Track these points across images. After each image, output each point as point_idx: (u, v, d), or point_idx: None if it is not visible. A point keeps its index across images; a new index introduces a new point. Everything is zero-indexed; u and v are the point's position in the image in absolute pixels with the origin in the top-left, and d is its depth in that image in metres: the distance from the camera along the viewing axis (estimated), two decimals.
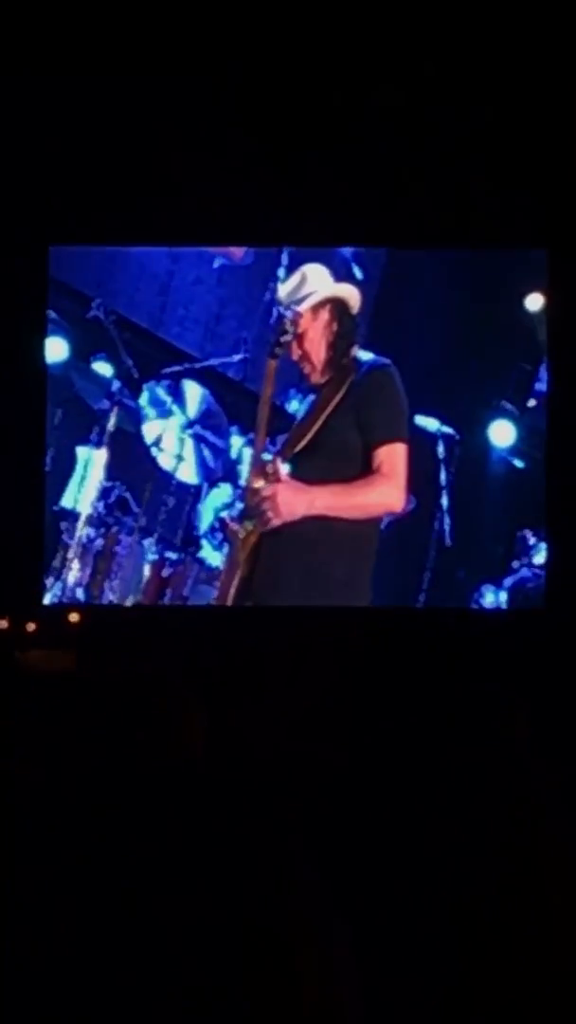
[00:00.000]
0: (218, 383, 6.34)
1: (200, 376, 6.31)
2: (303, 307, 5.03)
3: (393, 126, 5.78)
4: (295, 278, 5.16)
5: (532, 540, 6.10)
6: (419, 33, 5.56)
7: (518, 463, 6.39)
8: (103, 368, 6.29)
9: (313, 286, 5.10)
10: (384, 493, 4.88)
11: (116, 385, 6.14)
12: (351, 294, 5.12)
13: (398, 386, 4.98)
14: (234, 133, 5.85)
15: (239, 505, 5.62)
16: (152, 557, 6.09)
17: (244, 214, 5.96)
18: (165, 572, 6.10)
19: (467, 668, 4.72)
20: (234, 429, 6.24)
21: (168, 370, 6.34)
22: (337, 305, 5.08)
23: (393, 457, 4.87)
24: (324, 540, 4.86)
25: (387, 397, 4.95)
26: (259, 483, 4.88)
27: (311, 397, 5.12)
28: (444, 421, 6.08)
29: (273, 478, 4.83)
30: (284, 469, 4.86)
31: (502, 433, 6.39)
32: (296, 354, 5.11)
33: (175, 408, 6.21)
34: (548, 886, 2.07)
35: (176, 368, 6.34)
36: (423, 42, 5.56)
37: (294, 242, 6.03)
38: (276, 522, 4.86)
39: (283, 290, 5.19)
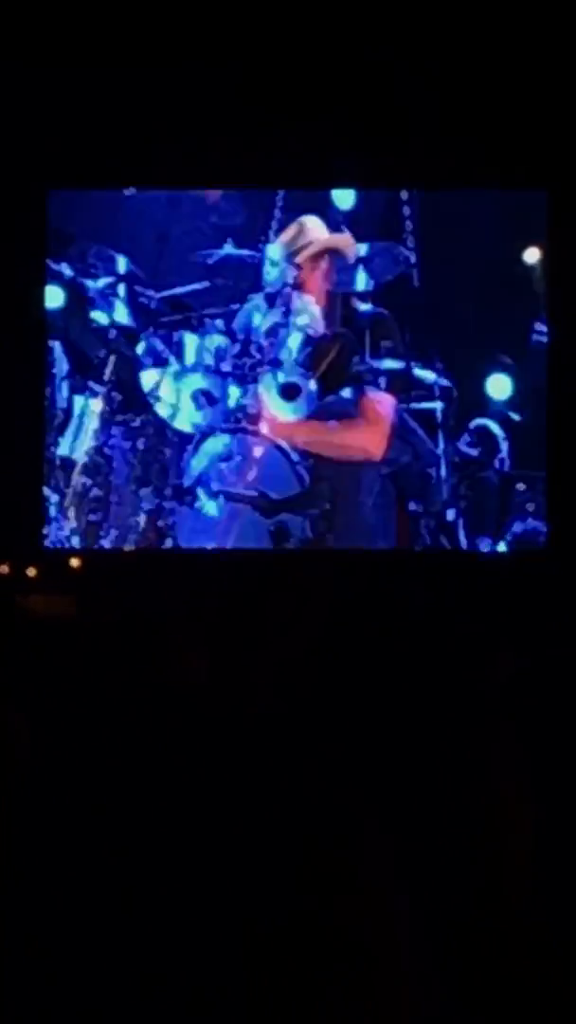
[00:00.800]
0: (213, 332, 6.31)
1: (197, 327, 6.30)
2: (301, 257, 5.03)
3: (389, 67, 5.74)
4: (292, 228, 5.18)
5: (524, 490, 6.13)
6: None
7: (515, 416, 6.39)
8: (100, 317, 6.29)
9: (310, 236, 5.10)
10: (363, 438, 5.04)
11: (113, 333, 6.13)
12: (347, 243, 5.12)
13: (393, 338, 4.99)
14: (230, 76, 5.82)
15: (237, 457, 5.71)
16: (148, 506, 6.10)
17: (239, 156, 5.93)
18: (160, 522, 6.12)
19: (464, 612, 4.75)
20: (230, 380, 6.24)
21: (166, 319, 6.33)
22: (335, 255, 5.07)
23: (377, 406, 4.95)
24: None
25: (381, 348, 4.95)
26: None
27: (308, 349, 5.14)
28: (441, 374, 6.07)
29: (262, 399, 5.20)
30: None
31: (499, 386, 6.39)
32: (295, 303, 5.12)
33: (172, 357, 6.20)
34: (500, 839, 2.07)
35: (174, 317, 6.32)
36: None
37: (290, 184, 6.00)
38: (259, 438, 5.30)
39: (281, 240, 5.19)
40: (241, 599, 4.75)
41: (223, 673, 2.62)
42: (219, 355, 6.16)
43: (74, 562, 5.70)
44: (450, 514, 6.06)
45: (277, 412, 5.04)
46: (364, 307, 5.09)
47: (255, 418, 5.47)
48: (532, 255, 6.15)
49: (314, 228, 5.14)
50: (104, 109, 5.88)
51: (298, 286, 5.08)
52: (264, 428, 5.04)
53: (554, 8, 5.50)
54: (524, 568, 5.78)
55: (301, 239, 5.12)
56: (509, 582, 5.45)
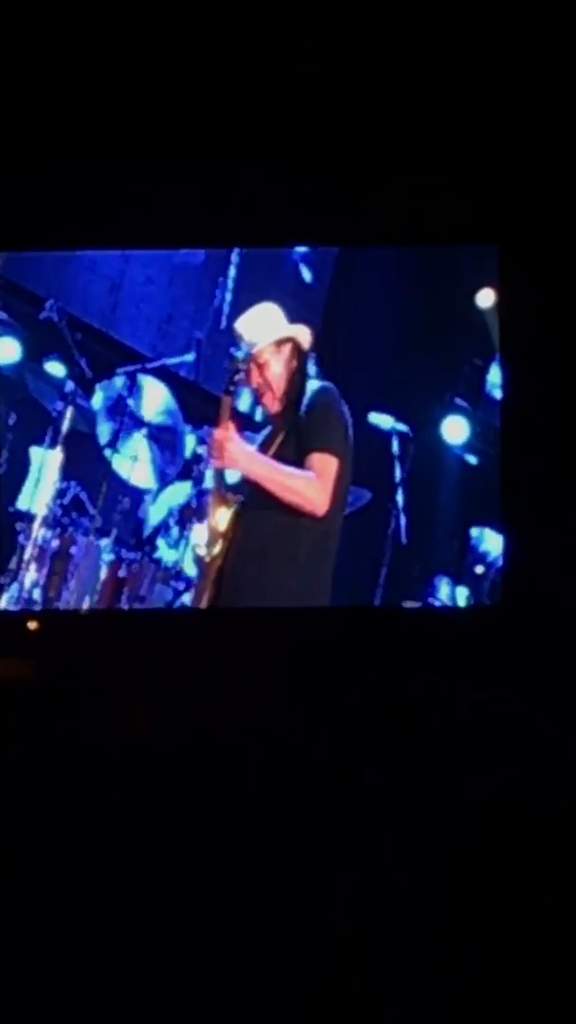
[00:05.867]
0: (172, 382, 6.35)
1: (153, 376, 6.32)
2: (267, 341, 5.27)
3: (342, 124, 5.79)
4: (254, 314, 5.29)
5: (479, 537, 6.18)
6: (371, 28, 5.56)
7: (471, 459, 6.45)
8: (56, 369, 6.28)
9: (273, 323, 5.32)
10: (310, 488, 5.09)
11: (70, 386, 6.13)
12: (305, 335, 5.34)
13: (336, 403, 5.21)
14: (183, 134, 5.84)
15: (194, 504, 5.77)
16: (108, 557, 6.10)
17: (194, 215, 5.95)
18: (122, 572, 6.10)
19: (422, 665, 4.76)
20: (188, 428, 6.25)
21: (122, 370, 6.35)
22: (295, 343, 5.30)
23: (324, 464, 5.10)
24: (284, 560, 5.16)
25: (323, 412, 5.18)
26: (220, 510, 5.24)
27: (266, 430, 5.26)
28: (398, 418, 6.12)
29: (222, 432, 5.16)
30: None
31: (455, 429, 6.45)
32: (256, 382, 5.28)
33: (129, 408, 6.22)
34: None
35: (129, 368, 6.34)
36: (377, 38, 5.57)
37: (245, 243, 6.03)
38: (217, 464, 5.25)
39: (242, 325, 5.30)
40: (198, 656, 4.79)
41: (167, 729, 2.62)
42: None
43: (32, 624, 5.65)
44: None
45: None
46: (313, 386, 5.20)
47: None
48: (486, 298, 6.21)
49: (276, 316, 5.30)
50: (51, 173, 5.87)
51: (260, 365, 5.22)
52: (227, 448, 5.17)
53: (503, 60, 5.56)
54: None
55: (264, 325, 5.28)
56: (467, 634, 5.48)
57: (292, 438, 5.19)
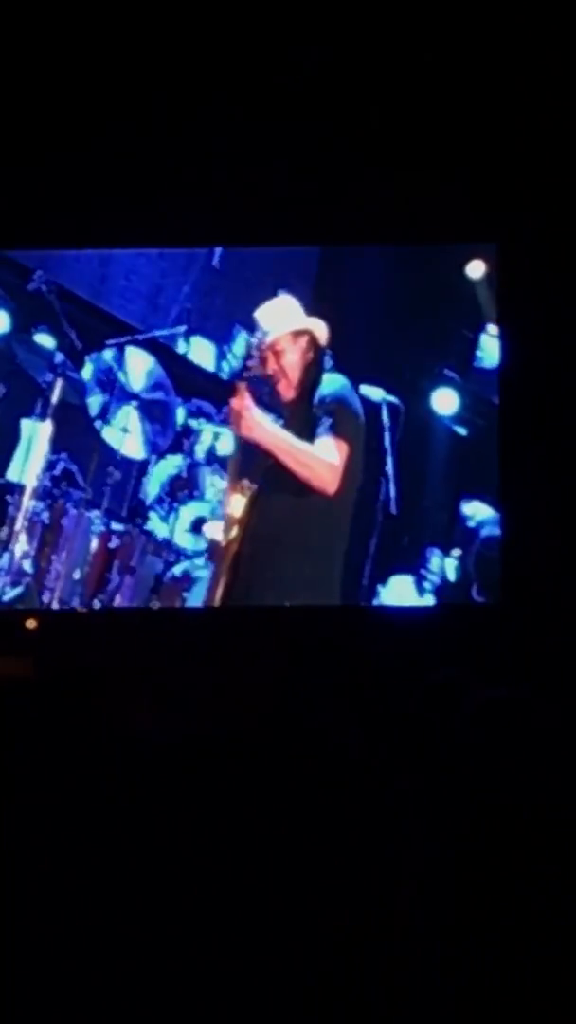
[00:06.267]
0: (162, 355, 6.34)
1: (144, 347, 6.31)
2: (285, 330, 5.41)
3: (339, 121, 5.76)
4: (273, 304, 5.39)
5: (468, 509, 6.19)
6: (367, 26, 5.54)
7: (461, 430, 6.45)
8: (45, 340, 6.27)
9: (291, 315, 5.47)
10: (321, 464, 5.21)
11: (59, 357, 6.13)
12: (322, 329, 5.46)
13: (351, 396, 5.36)
14: (171, 127, 5.81)
15: (205, 507, 6.06)
16: (99, 529, 6.11)
17: (188, 213, 5.93)
18: (112, 544, 6.12)
19: (421, 659, 4.80)
20: (179, 400, 6.25)
21: (111, 341, 6.34)
22: (312, 336, 5.44)
23: (336, 447, 5.23)
24: (298, 545, 5.30)
25: (337, 403, 5.30)
26: (235, 497, 5.38)
27: (280, 420, 5.37)
28: (388, 390, 6.12)
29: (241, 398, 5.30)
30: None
31: (445, 401, 6.45)
32: (271, 368, 5.42)
33: (120, 380, 6.21)
34: None
35: (120, 339, 6.33)
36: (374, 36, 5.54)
37: (241, 242, 6.05)
38: (235, 431, 5.38)
39: (261, 314, 5.45)
40: (200, 653, 4.83)
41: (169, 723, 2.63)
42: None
43: (31, 623, 5.65)
44: None
45: None
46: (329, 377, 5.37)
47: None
48: (475, 269, 6.21)
49: (294, 308, 5.38)
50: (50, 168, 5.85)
51: (276, 353, 5.38)
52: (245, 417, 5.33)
53: (499, 67, 5.54)
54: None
55: (283, 315, 5.40)
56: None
57: (306, 426, 5.29)
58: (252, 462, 5.41)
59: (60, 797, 2.27)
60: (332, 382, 5.36)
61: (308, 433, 5.27)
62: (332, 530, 5.34)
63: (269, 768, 2.36)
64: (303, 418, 5.32)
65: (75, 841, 2.14)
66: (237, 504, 5.38)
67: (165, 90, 5.71)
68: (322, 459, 5.20)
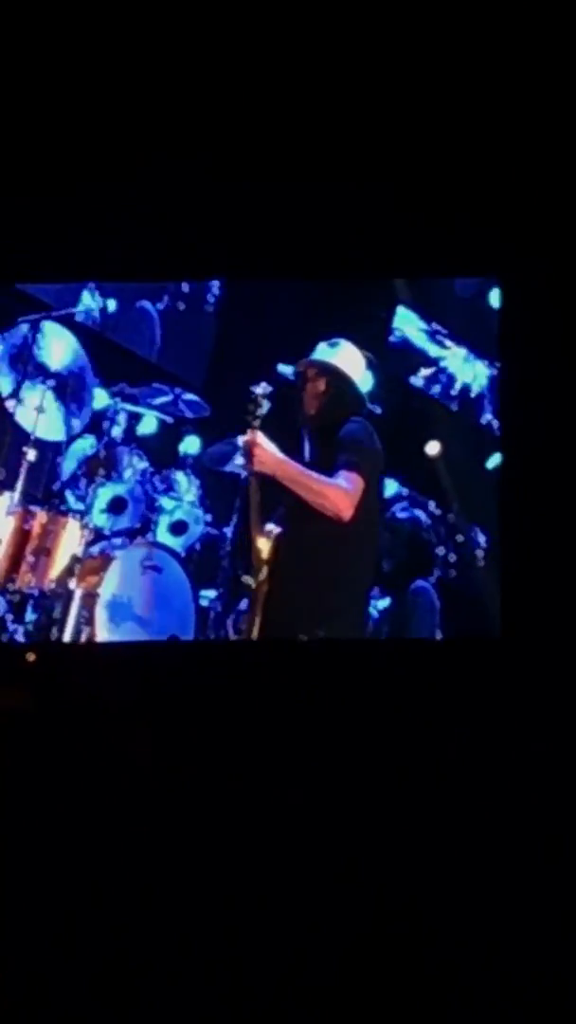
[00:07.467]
0: (80, 333, 6.27)
1: (60, 324, 6.23)
2: (335, 363, 5.69)
3: (338, 154, 5.71)
4: (345, 347, 5.73)
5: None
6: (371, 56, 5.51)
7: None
8: None
9: (350, 361, 5.74)
10: (335, 491, 5.43)
11: None
12: (366, 384, 5.75)
13: (371, 438, 5.58)
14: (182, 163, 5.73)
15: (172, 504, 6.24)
16: (15, 510, 6.03)
17: (183, 245, 5.82)
18: (27, 525, 6.05)
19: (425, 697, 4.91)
20: (97, 382, 6.20)
21: (24, 319, 6.24)
22: (353, 385, 5.69)
23: (354, 480, 5.45)
24: (328, 579, 5.50)
25: (357, 443, 5.55)
26: (260, 540, 5.51)
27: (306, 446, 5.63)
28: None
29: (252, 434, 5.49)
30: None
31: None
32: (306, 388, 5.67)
33: (36, 358, 6.13)
34: None
35: (33, 316, 6.23)
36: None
37: (235, 275, 6.08)
38: (248, 468, 5.54)
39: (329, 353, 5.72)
40: (199, 686, 4.87)
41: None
42: None
43: (30, 656, 5.56)
44: None
45: None
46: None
47: None
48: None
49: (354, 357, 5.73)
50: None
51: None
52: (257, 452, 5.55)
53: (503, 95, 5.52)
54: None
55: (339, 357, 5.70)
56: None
57: (325, 457, 5.49)
58: (271, 500, 5.57)
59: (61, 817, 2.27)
60: (357, 423, 5.57)
61: (327, 464, 5.45)
62: (355, 560, 5.53)
63: (273, 802, 2.40)
64: (323, 447, 5.53)
65: (76, 863, 2.15)
66: (263, 546, 5.51)
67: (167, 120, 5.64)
68: (335, 486, 5.39)
